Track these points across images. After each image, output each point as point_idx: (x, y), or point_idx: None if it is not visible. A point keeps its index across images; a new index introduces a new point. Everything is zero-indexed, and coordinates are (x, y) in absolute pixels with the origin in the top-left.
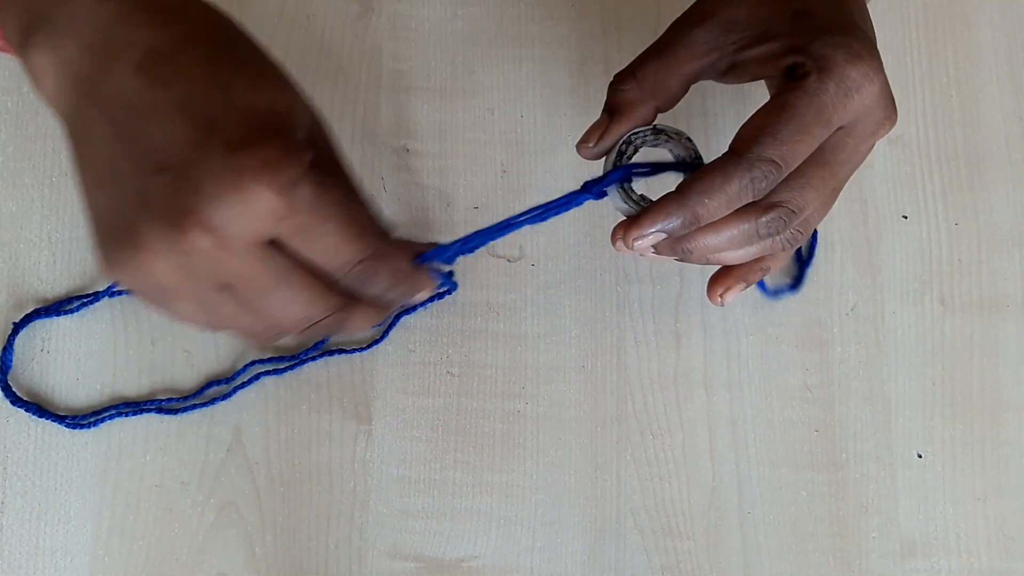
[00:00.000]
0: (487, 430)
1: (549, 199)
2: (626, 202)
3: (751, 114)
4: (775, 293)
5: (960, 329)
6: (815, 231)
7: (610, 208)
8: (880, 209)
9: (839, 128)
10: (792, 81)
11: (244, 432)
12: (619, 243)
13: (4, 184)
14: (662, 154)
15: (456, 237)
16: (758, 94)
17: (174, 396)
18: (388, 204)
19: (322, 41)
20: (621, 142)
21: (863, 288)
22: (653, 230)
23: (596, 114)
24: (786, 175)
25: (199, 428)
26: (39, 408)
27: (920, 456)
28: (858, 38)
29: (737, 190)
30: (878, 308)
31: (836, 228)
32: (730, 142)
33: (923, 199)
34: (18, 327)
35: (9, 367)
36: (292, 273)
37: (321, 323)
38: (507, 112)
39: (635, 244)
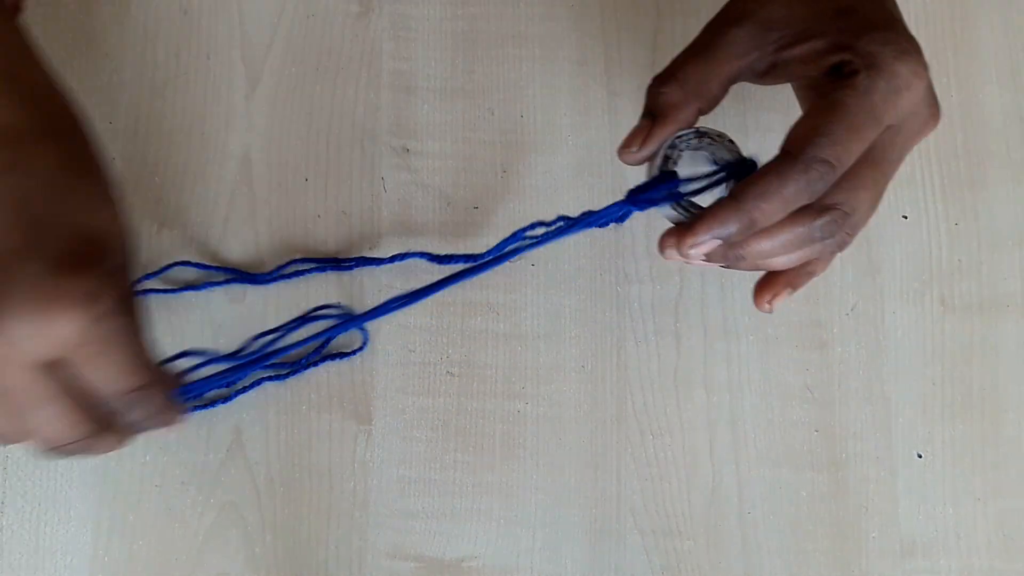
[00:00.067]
0: (487, 430)
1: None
2: (675, 209)
3: (803, 115)
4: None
5: (960, 329)
6: None
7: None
8: (880, 209)
9: (888, 127)
10: (840, 80)
11: (244, 432)
12: (670, 251)
13: None
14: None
15: (455, 237)
16: (758, 95)
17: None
18: (388, 204)
19: (322, 41)
20: (664, 148)
21: (863, 288)
22: (709, 237)
23: (596, 114)
24: (840, 176)
25: (199, 428)
26: None
27: (920, 456)
28: (903, 34)
29: (793, 193)
30: (878, 308)
31: None
32: (781, 144)
33: (923, 199)
34: None
35: None
36: (61, 396)
37: (70, 446)
38: (507, 112)
39: (690, 252)
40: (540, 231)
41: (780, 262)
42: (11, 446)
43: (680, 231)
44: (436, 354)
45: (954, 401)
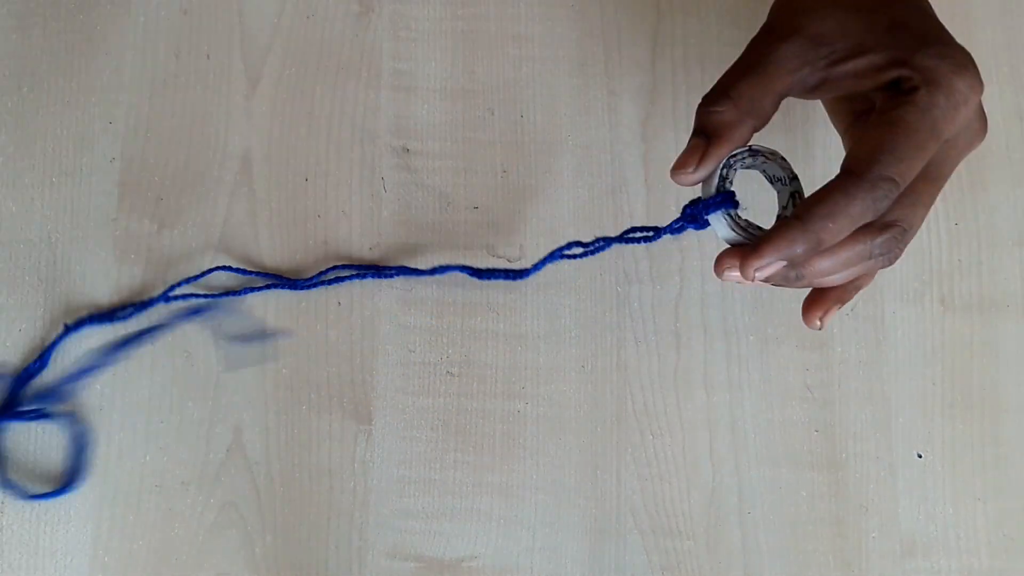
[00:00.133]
0: (487, 430)
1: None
2: (734, 229)
3: (863, 132)
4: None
5: (960, 329)
6: None
7: (610, 209)
8: None
9: (944, 141)
10: (900, 96)
11: (244, 432)
12: (731, 273)
13: (4, 184)
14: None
15: (456, 237)
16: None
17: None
18: (388, 204)
19: (322, 41)
20: (720, 168)
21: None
22: (776, 259)
23: (596, 114)
24: (907, 190)
25: (199, 428)
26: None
27: (920, 456)
28: (957, 48)
29: (860, 211)
30: (878, 308)
31: None
32: (843, 162)
33: None
34: (67, 331)
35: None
36: None
37: None
38: (507, 112)
39: (756, 275)
40: (578, 250)
41: (835, 279)
42: (11, 446)
43: (743, 252)
44: (436, 354)
45: (954, 401)
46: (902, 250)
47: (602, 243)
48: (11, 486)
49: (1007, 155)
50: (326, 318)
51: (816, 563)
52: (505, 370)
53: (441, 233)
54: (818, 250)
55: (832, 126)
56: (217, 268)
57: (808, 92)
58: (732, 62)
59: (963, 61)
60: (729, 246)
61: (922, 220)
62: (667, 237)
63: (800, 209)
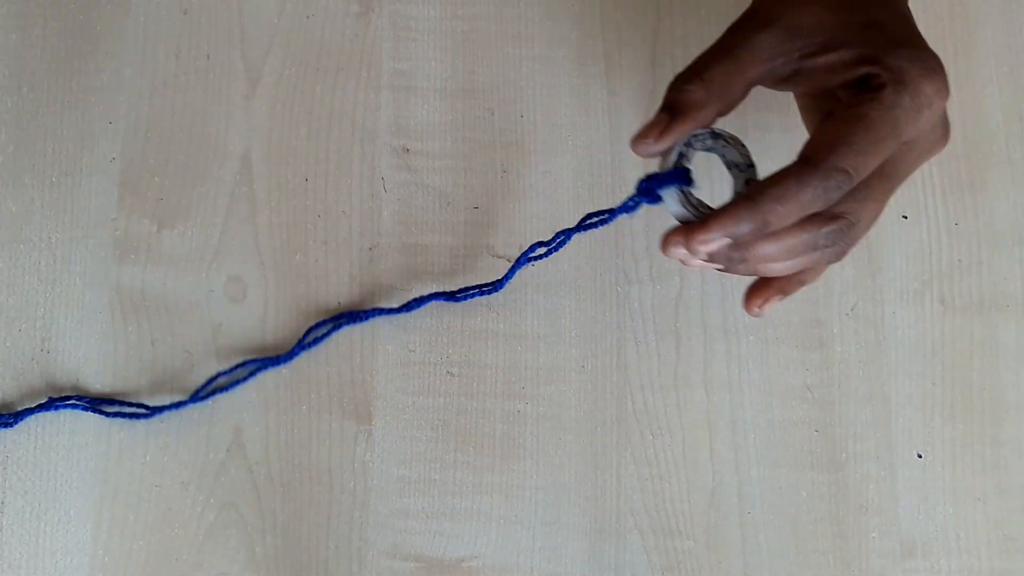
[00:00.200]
0: (487, 430)
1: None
2: (684, 206)
3: (826, 124)
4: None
5: (960, 329)
6: None
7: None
8: None
9: (904, 142)
10: (866, 93)
11: (244, 432)
12: (675, 248)
13: (4, 184)
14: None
15: (456, 237)
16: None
17: (182, 396)
18: (388, 204)
19: (322, 41)
20: (680, 145)
21: (863, 288)
22: (721, 235)
23: (596, 114)
24: (860, 184)
25: (199, 428)
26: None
27: (920, 456)
28: (929, 52)
29: (810, 198)
30: (878, 308)
31: None
32: (800, 150)
33: (923, 199)
34: (50, 405)
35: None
36: None
37: None
38: (507, 112)
39: (699, 248)
40: (541, 251)
41: (778, 268)
42: (11, 446)
43: (690, 227)
44: (436, 354)
45: (954, 401)
46: (849, 245)
47: (563, 236)
48: None
49: (1007, 155)
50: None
51: (816, 563)
52: (505, 370)
53: (441, 233)
54: (764, 232)
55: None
56: (215, 377)
57: (779, 83)
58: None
59: (933, 66)
60: (679, 225)
61: (872, 216)
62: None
63: (752, 190)
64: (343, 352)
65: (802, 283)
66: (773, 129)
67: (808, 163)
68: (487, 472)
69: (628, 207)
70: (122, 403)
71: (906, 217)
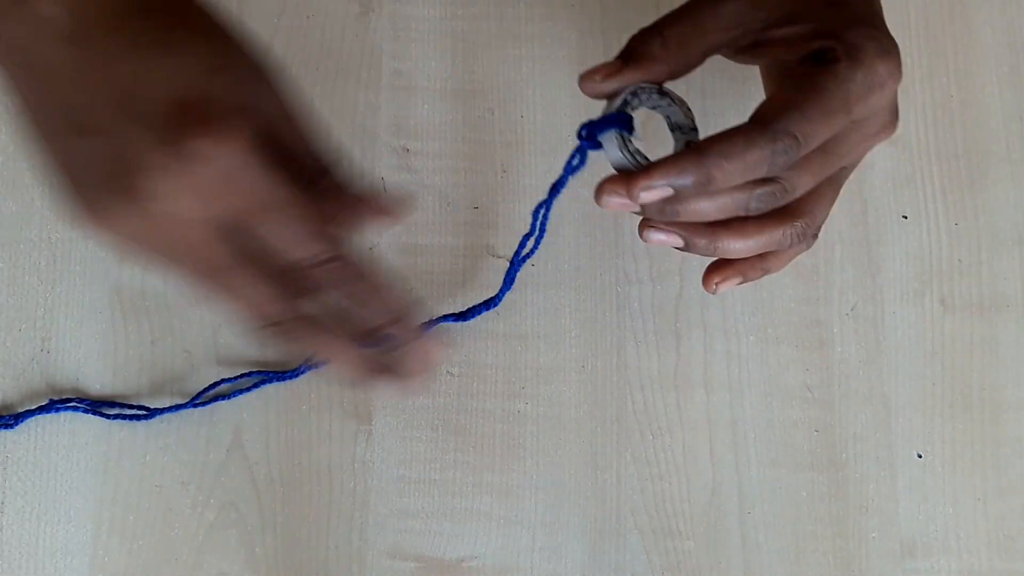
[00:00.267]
0: (487, 430)
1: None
2: (622, 151)
3: (779, 91)
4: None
5: (960, 329)
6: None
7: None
8: (880, 209)
9: (851, 121)
10: (821, 65)
11: (244, 432)
12: (611, 197)
13: (4, 184)
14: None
15: (456, 237)
16: (759, 93)
17: (182, 396)
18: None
19: (322, 41)
20: (626, 92)
21: (863, 288)
22: (663, 183)
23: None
24: (801, 156)
25: (199, 428)
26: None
27: (920, 456)
28: (887, 35)
29: (756, 159)
30: (878, 308)
31: (836, 228)
32: (752, 114)
33: (923, 199)
34: (51, 406)
35: None
36: (247, 263)
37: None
38: (507, 112)
39: (641, 195)
40: (530, 245)
41: (733, 248)
42: (11, 446)
43: (632, 175)
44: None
45: (954, 401)
46: (801, 232)
47: (541, 210)
48: None
49: (1007, 155)
50: None
51: (816, 563)
52: (505, 370)
53: (441, 233)
54: (706, 189)
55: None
56: (218, 383)
57: (739, 54)
58: (732, 65)
59: (889, 47)
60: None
61: (806, 188)
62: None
63: (700, 143)
64: None
65: (765, 270)
66: (727, 95)
67: (757, 123)
68: (487, 472)
69: (572, 160)
70: (123, 405)
71: (906, 217)
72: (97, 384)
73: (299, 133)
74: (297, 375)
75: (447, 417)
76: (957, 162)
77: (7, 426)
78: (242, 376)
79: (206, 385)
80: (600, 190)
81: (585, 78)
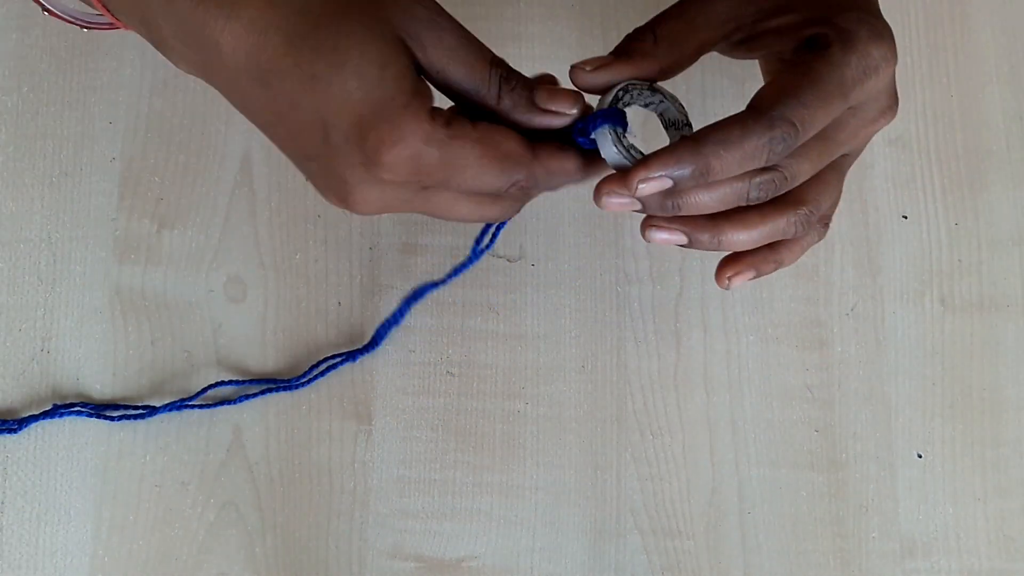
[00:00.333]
0: (487, 430)
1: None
2: (616, 146)
3: (775, 79)
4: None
5: (960, 329)
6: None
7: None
8: (880, 209)
9: (848, 107)
10: (814, 51)
11: (244, 432)
12: (610, 198)
13: (4, 184)
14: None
15: (456, 237)
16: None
17: (182, 397)
18: None
19: None
20: (618, 88)
21: (863, 288)
22: (661, 174)
23: None
24: (800, 143)
25: (199, 428)
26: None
27: (920, 456)
28: (880, 19)
29: (754, 148)
30: (878, 308)
31: (836, 228)
32: (748, 103)
33: (923, 199)
34: (55, 411)
35: None
36: (455, 200)
37: (505, 215)
38: None
39: (639, 188)
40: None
41: (738, 240)
42: (11, 446)
43: (628, 170)
44: (436, 354)
45: (954, 401)
46: (807, 221)
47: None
48: None
49: (1007, 155)
50: (326, 318)
51: (816, 563)
52: (505, 370)
53: (441, 233)
54: (705, 180)
55: None
56: (215, 384)
57: (734, 49)
58: (732, 64)
59: (881, 30)
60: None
61: (807, 176)
62: None
63: (696, 133)
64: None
65: (778, 263)
66: (727, 95)
67: (754, 111)
68: (487, 472)
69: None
70: (126, 407)
71: (906, 217)
72: (97, 384)
73: (459, 52)
74: (300, 385)
75: (447, 417)
76: (957, 162)
77: (11, 431)
78: (246, 382)
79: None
80: (598, 191)
81: (575, 68)
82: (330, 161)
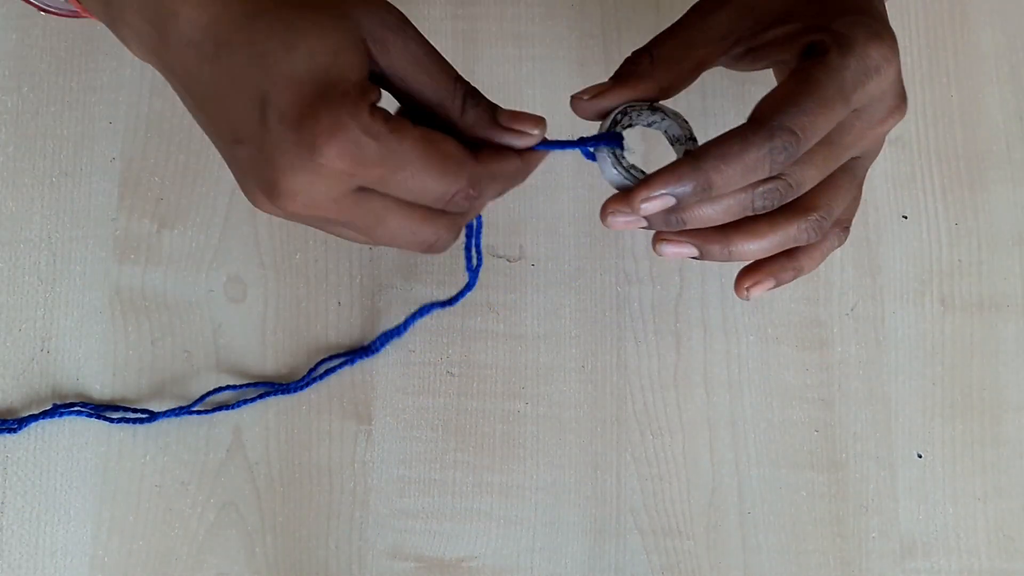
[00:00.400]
0: (487, 430)
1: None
2: (616, 167)
3: (773, 90)
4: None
5: (960, 329)
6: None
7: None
8: (880, 209)
9: (852, 110)
10: (813, 58)
11: (244, 432)
12: (615, 217)
13: (4, 184)
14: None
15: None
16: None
17: (181, 401)
18: None
19: None
20: (616, 111)
21: (863, 288)
22: (663, 192)
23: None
24: (803, 151)
25: (199, 428)
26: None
27: (920, 456)
28: (878, 19)
29: (755, 159)
30: (878, 308)
31: None
32: (749, 115)
33: (923, 199)
34: (55, 411)
35: None
36: (388, 211)
37: (439, 242)
38: None
39: (642, 207)
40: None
41: (750, 249)
42: (11, 446)
43: (630, 190)
44: (436, 354)
45: (954, 401)
46: (820, 227)
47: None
48: None
49: (1007, 155)
50: (326, 319)
51: (816, 563)
52: (505, 370)
53: None
54: (708, 195)
55: None
56: (219, 389)
57: (738, 63)
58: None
59: (879, 31)
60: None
61: (814, 182)
62: None
63: (696, 150)
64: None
65: (798, 270)
66: (727, 96)
67: (753, 123)
68: (487, 472)
69: (564, 146)
70: (126, 409)
71: (906, 217)
72: (97, 384)
73: (425, 62)
74: (299, 388)
75: (447, 417)
76: (957, 162)
77: (11, 430)
78: (246, 386)
79: (206, 386)
80: (603, 212)
81: (574, 98)
82: (262, 143)
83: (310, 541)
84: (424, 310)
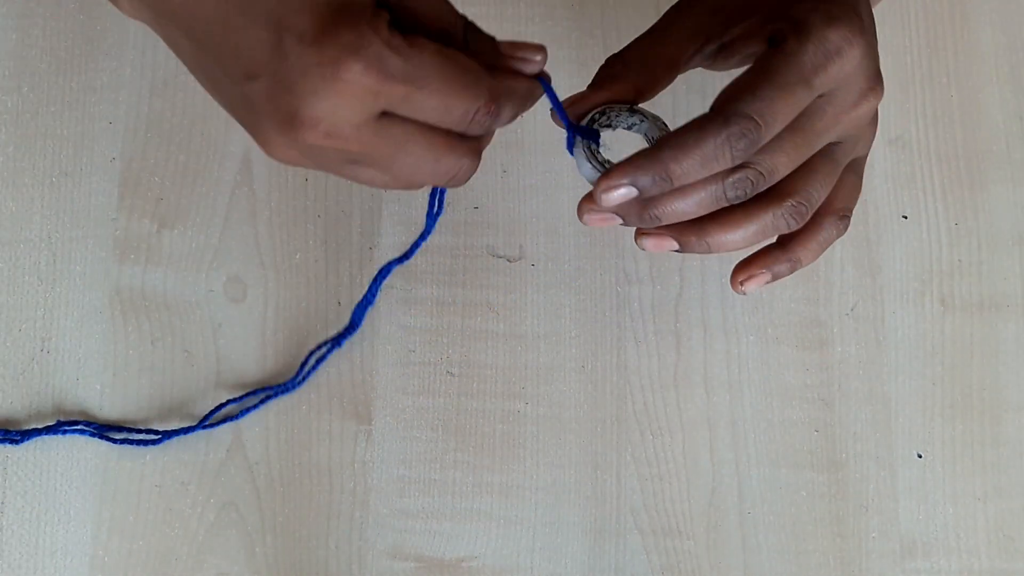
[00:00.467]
0: (487, 430)
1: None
2: (590, 161)
3: (731, 82)
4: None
5: (960, 329)
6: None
7: None
8: (880, 209)
9: (819, 96)
10: (773, 47)
11: (244, 432)
12: (593, 214)
13: (4, 184)
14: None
15: (456, 237)
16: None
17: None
18: (388, 204)
19: None
20: (595, 112)
21: (863, 288)
22: (623, 182)
23: None
24: (766, 138)
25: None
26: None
27: (920, 456)
28: (838, 3)
29: (712, 148)
30: (878, 308)
31: None
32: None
33: (923, 199)
34: (58, 428)
35: None
36: (410, 138)
37: (461, 171)
38: None
39: (603, 197)
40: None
41: (728, 239)
42: (11, 447)
43: (595, 186)
44: (436, 354)
45: (954, 401)
46: (800, 214)
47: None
48: None
49: (1007, 155)
50: (326, 318)
51: (816, 563)
52: (505, 370)
53: (441, 233)
54: (669, 186)
55: None
56: (222, 405)
57: (714, 61)
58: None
59: (839, 14)
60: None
61: (787, 169)
62: None
63: (656, 142)
64: (343, 352)
65: (795, 262)
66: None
67: (710, 112)
68: (487, 472)
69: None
70: (130, 430)
71: (906, 217)
72: (97, 384)
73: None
74: (295, 385)
75: (447, 417)
76: (957, 162)
77: (13, 441)
78: (246, 396)
79: (206, 387)
80: (580, 210)
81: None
82: (280, 71)
83: (310, 541)
84: (385, 270)
